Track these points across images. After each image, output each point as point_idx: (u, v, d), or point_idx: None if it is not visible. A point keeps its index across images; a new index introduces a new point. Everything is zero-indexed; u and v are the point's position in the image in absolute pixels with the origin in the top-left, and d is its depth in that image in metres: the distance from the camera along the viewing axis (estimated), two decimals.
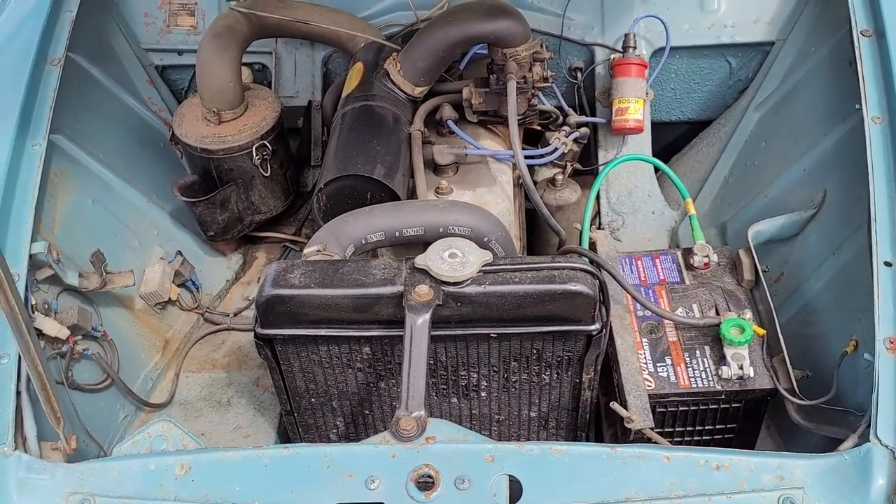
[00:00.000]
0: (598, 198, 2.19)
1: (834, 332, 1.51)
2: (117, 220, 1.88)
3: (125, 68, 2.22)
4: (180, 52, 2.30)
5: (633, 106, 2.08)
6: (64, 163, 1.81)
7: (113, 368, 1.66)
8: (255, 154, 1.88)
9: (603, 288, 1.35)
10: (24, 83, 1.76)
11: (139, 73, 2.26)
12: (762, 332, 1.51)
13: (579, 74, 2.24)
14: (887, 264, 1.35)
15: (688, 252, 1.70)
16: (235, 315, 1.99)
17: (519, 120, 1.75)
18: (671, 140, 2.44)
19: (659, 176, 2.24)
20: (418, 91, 1.80)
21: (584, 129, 2.04)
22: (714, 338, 1.53)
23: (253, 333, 1.42)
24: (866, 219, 1.45)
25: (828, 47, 1.94)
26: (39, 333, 1.47)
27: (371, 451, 1.22)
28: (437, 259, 1.32)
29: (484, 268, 1.33)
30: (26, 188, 1.61)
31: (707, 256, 1.66)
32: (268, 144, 1.91)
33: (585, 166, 2.22)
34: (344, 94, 1.86)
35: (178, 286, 1.90)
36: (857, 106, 1.61)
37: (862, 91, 1.61)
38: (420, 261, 1.32)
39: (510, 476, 1.18)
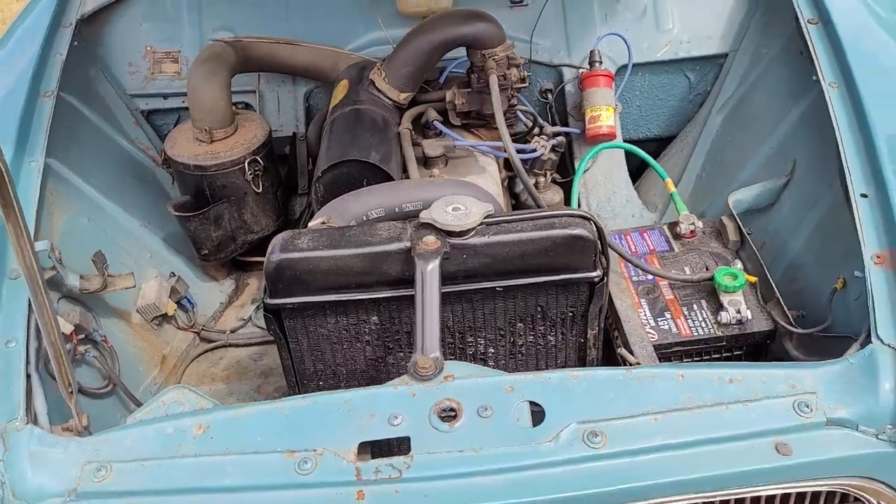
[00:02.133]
0: (578, 206, 2.27)
1: (821, 280, 1.58)
2: (112, 240, 1.90)
3: (112, 111, 2.29)
4: (165, 97, 2.38)
5: (605, 113, 2.20)
6: (59, 184, 1.84)
7: (114, 375, 1.64)
8: (247, 169, 1.93)
9: (601, 233, 1.41)
10: (19, 110, 1.82)
11: (126, 116, 2.33)
12: (754, 279, 1.57)
13: (550, 95, 2.36)
14: (863, 195, 1.43)
15: (673, 224, 1.77)
16: (233, 332, 1.99)
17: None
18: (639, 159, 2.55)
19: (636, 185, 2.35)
20: (403, 97, 1.89)
21: (560, 138, 2.15)
22: (709, 292, 1.59)
23: (262, 306, 1.44)
24: (836, 172, 1.55)
25: (779, 46, 2.09)
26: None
27: (391, 392, 1.22)
28: (441, 212, 1.36)
29: (486, 219, 1.38)
30: (26, 196, 1.63)
31: (693, 224, 1.74)
32: (259, 160, 1.96)
33: (563, 177, 2.31)
34: (331, 107, 1.94)
35: (174, 303, 1.90)
36: (813, 77, 1.74)
37: (816, 64, 1.75)
38: (425, 215, 1.37)
39: (531, 402, 1.19)
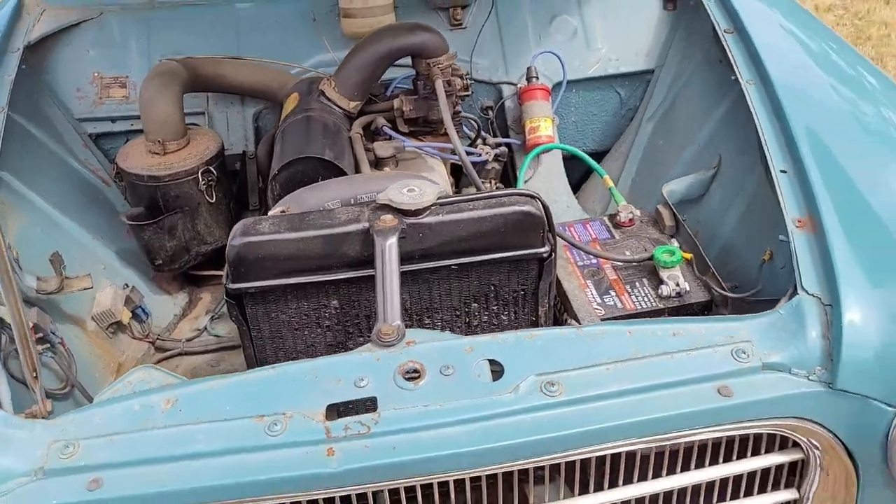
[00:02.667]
0: None
1: (751, 256, 1.70)
2: (65, 251, 1.90)
3: (60, 133, 2.31)
4: (113, 120, 2.41)
5: (544, 124, 2.32)
6: (11, 195, 1.86)
7: (72, 376, 1.64)
8: (200, 179, 1.98)
9: (547, 211, 1.50)
10: None
11: (74, 139, 2.35)
12: (689, 256, 1.68)
13: (491, 111, 2.48)
14: (783, 171, 1.57)
15: (613, 215, 1.89)
16: (188, 341, 2.00)
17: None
18: (578, 172, 2.69)
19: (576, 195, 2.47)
20: (353, 105, 1.98)
21: (502, 148, 2.26)
22: (649, 271, 1.69)
23: (224, 292, 1.47)
24: (758, 159, 1.68)
25: (700, 57, 2.26)
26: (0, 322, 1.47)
27: (356, 358, 1.27)
28: (397, 193, 1.44)
29: (439, 199, 1.46)
30: None
31: (631, 213, 1.85)
32: (213, 170, 2.01)
33: (506, 187, 2.41)
34: (282, 118, 2.01)
35: (129, 311, 1.91)
36: (732, 78, 1.90)
37: (734, 66, 1.90)
38: (381, 197, 1.44)
39: (490, 360, 1.26)
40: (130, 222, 1.95)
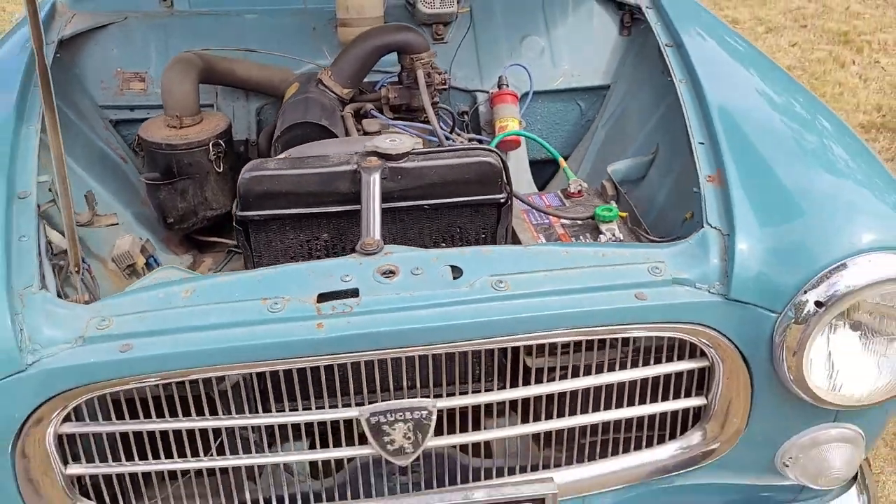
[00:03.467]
0: None
1: (677, 219, 2.02)
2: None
3: (86, 116, 2.61)
4: (132, 108, 2.72)
5: (512, 123, 2.66)
6: (47, 152, 2.15)
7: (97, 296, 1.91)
8: (211, 150, 2.28)
9: (505, 165, 1.81)
10: (18, 85, 2.14)
11: (98, 122, 2.65)
12: (625, 214, 2.00)
13: (466, 115, 2.82)
14: (701, 143, 1.90)
15: (565, 189, 2.21)
16: None
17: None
18: (542, 178, 3.02)
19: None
20: (346, 92, 2.30)
21: (474, 143, 2.59)
22: (592, 228, 2.01)
23: (233, 219, 1.77)
24: (687, 141, 2.02)
25: (647, 72, 2.62)
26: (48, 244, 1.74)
27: (343, 261, 1.57)
28: (382, 141, 1.75)
29: (415, 149, 1.77)
30: (27, 154, 1.93)
31: (580, 186, 2.17)
32: (222, 143, 2.32)
33: None
34: (283, 102, 2.33)
35: (144, 259, 2.18)
36: (669, 79, 2.25)
37: (671, 68, 2.26)
38: (368, 145, 1.75)
39: (452, 266, 1.55)
40: (149, 182, 2.25)
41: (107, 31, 2.75)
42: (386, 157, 1.73)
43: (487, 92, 2.80)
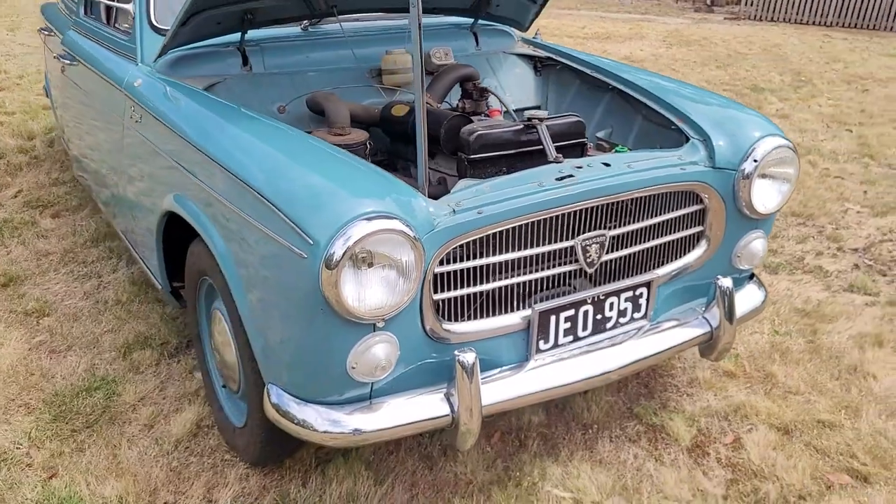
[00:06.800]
0: None
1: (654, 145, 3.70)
2: None
3: None
4: None
5: None
6: None
7: None
8: (367, 146, 3.50)
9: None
10: None
11: None
12: (630, 149, 3.65)
13: None
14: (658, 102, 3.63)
15: None
16: None
17: None
18: None
19: None
20: (438, 106, 3.69)
21: None
22: None
23: (465, 160, 3.09)
24: (642, 107, 3.75)
25: (575, 89, 4.34)
26: None
27: (552, 166, 3.00)
28: (534, 112, 3.21)
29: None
30: None
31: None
32: (367, 143, 3.55)
33: None
34: (396, 116, 3.64)
35: None
36: (596, 83, 3.97)
37: (598, 78, 3.99)
38: (527, 114, 3.19)
39: (602, 163, 3.06)
40: None
41: (216, 88, 3.77)
42: (539, 119, 3.17)
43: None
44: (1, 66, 11.04)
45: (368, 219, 2.44)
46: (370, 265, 2.46)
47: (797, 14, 19.77)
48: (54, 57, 5.12)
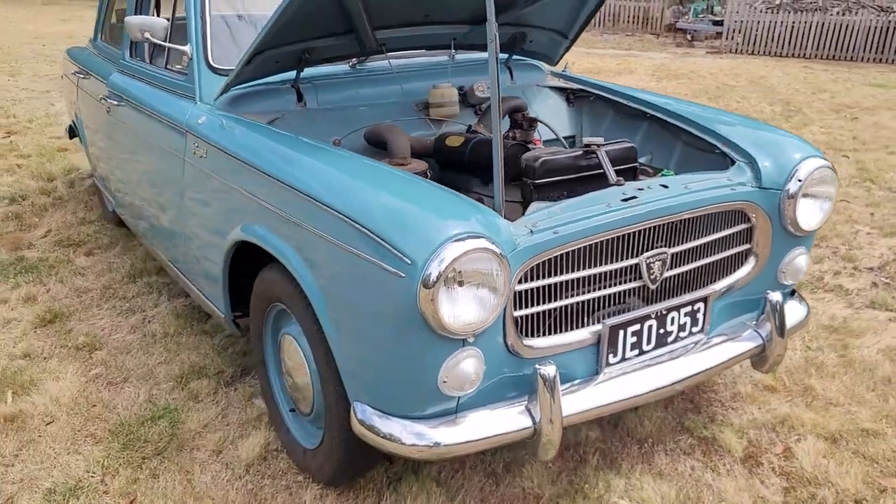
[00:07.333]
0: None
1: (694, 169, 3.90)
2: None
3: None
4: None
5: None
6: None
7: None
8: (427, 174, 3.66)
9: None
10: None
11: None
12: (673, 172, 3.83)
13: None
14: (704, 131, 3.83)
15: None
16: None
17: None
18: None
19: None
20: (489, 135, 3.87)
21: None
22: None
23: (529, 185, 3.25)
24: (684, 134, 3.94)
25: (609, 118, 4.55)
26: None
27: (614, 189, 3.17)
28: (590, 139, 3.38)
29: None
30: None
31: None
32: (427, 172, 3.71)
33: None
34: (451, 146, 3.81)
35: None
36: (634, 112, 4.17)
37: (637, 108, 4.19)
38: (586, 140, 3.37)
39: (661, 185, 3.24)
40: None
41: (283, 120, 3.92)
42: (597, 144, 3.36)
43: None
44: (9, 111, 11.16)
45: (461, 239, 2.58)
46: (461, 283, 2.60)
47: (777, 47, 20.35)
48: (99, 99, 5.24)
